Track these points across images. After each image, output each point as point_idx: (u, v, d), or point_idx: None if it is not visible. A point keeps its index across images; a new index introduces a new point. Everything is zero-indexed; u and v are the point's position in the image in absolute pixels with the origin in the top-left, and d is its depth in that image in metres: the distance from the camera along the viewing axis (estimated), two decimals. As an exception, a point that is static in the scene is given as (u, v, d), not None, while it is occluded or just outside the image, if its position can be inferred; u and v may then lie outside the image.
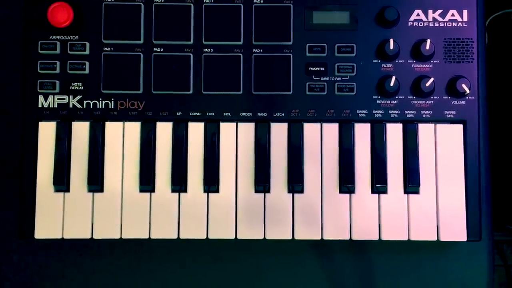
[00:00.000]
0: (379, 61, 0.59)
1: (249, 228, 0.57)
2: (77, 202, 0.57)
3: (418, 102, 0.59)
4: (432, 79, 0.57)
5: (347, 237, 0.57)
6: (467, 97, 0.59)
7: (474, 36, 0.59)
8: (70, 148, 0.58)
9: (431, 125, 0.59)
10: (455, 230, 0.57)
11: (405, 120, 0.59)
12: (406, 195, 0.58)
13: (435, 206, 0.57)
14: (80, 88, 0.58)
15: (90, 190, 0.57)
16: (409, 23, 0.59)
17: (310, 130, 0.58)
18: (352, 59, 0.59)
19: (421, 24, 0.59)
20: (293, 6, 0.59)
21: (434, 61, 0.59)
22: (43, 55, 0.58)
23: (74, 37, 0.58)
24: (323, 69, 0.59)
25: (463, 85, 0.57)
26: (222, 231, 0.57)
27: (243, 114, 0.58)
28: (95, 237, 0.57)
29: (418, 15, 0.59)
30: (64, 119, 0.58)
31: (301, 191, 0.58)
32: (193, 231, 0.57)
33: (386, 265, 0.60)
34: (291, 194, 0.58)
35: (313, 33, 0.59)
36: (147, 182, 0.57)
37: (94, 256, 0.56)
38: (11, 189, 0.59)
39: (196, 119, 0.58)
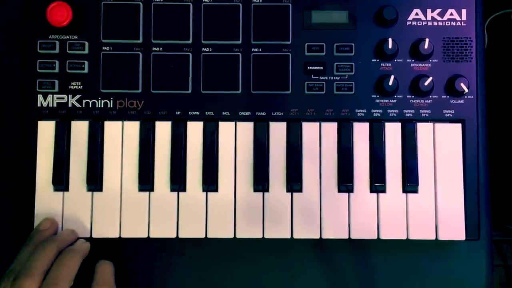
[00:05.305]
0: (378, 60, 0.59)
1: (248, 227, 0.57)
2: (76, 202, 0.57)
3: (417, 101, 0.59)
4: (430, 78, 0.57)
5: (345, 236, 0.57)
6: (465, 96, 0.59)
7: (473, 36, 0.59)
8: (69, 147, 0.58)
9: (430, 124, 0.59)
10: (454, 229, 0.57)
11: (403, 119, 0.59)
12: (404, 194, 0.58)
13: (434, 205, 0.57)
14: (79, 87, 0.58)
15: (89, 190, 0.58)
16: (408, 23, 0.59)
17: (309, 129, 0.58)
18: (351, 59, 0.59)
19: (419, 23, 0.59)
20: (292, 5, 0.59)
21: (433, 60, 0.59)
22: (42, 54, 0.58)
23: (73, 37, 0.58)
24: (321, 68, 0.59)
25: (462, 84, 0.57)
26: (221, 230, 0.57)
27: (242, 113, 0.58)
28: (94, 236, 0.57)
29: (416, 14, 0.59)
30: (63, 119, 0.58)
31: (300, 190, 0.58)
32: (192, 230, 0.57)
33: (385, 264, 0.59)
34: (289, 193, 0.58)
35: (311, 32, 0.59)
36: (146, 181, 0.57)
37: (93, 255, 0.56)
38: (10, 188, 0.59)
39: (195, 118, 0.58)
